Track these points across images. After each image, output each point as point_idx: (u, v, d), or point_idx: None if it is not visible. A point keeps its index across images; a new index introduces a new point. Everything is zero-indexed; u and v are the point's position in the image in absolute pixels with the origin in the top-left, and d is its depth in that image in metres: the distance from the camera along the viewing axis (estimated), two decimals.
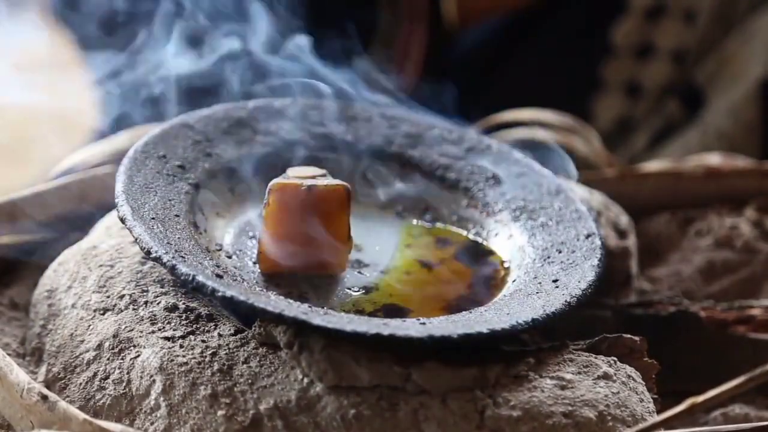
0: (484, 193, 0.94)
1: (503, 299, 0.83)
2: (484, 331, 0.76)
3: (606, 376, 0.78)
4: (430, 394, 0.75)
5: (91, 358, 0.80)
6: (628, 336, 0.82)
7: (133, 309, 0.81)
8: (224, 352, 0.77)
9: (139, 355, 0.78)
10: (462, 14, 1.50)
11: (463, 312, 0.81)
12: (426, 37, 1.46)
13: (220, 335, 0.79)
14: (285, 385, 0.76)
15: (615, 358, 0.80)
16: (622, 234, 0.97)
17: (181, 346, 0.78)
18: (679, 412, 0.71)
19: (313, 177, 0.84)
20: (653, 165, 1.14)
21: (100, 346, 0.80)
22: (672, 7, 1.50)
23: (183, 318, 0.80)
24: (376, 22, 1.46)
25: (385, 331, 0.74)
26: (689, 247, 1.05)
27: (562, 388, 0.77)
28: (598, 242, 0.87)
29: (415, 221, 0.94)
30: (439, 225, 0.93)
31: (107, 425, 0.74)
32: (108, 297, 0.83)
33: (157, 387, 0.77)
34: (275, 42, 0.99)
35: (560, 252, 0.87)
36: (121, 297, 0.82)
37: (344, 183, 0.84)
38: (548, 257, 0.87)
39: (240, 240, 0.88)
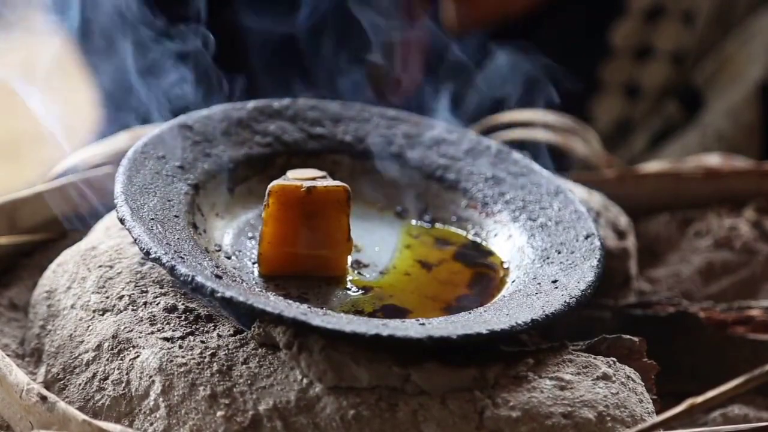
0: (484, 193, 0.94)
1: (502, 300, 0.83)
2: (484, 331, 0.76)
3: (605, 377, 0.78)
4: (429, 395, 0.75)
5: (91, 358, 0.80)
6: (628, 337, 0.82)
7: (133, 310, 0.81)
8: (223, 353, 0.77)
9: (138, 356, 0.78)
10: (461, 20, 1.50)
11: (463, 312, 0.81)
12: (426, 43, 1.46)
13: (219, 336, 0.79)
14: (284, 386, 0.76)
15: (614, 359, 0.80)
16: (621, 235, 0.97)
17: (181, 347, 0.78)
18: (679, 413, 0.71)
19: (313, 178, 0.84)
20: (652, 166, 1.14)
21: (99, 346, 0.80)
22: (671, 8, 1.50)
23: (182, 319, 0.80)
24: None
25: (385, 332, 0.74)
26: (688, 248, 1.05)
27: (562, 388, 0.77)
28: (598, 243, 0.87)
29: (414, 222, 0.94)
30: (438, 225, 0.93)
31: (106, 426, 0.74)
32: (107, 298, 0.83)
33: (157, 388, 0.77)
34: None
35: (559, 253, 0.87)
36: (121, 298, 0.82)
37: (344, 184, 0.84)
38: (547, 258, 0.87)
39: (239, 240, 0.88)
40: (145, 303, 0.82)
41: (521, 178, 0.94)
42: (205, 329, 0.79)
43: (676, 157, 1.28)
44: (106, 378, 0.79)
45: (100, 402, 0.78)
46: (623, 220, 0.99)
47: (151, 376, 0.77)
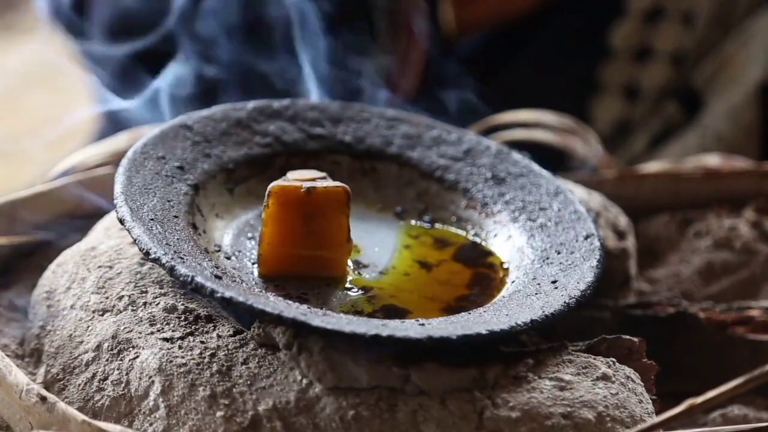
0: (483, 194, 0.94)
1: (502, 300, 0.83)
2: (483, 332, 0.76)
3: (605, 377, 0.78)
4: (429, 395, 0.75)
5: (90, 359, 0.80)
6: (627, 337, 0.82)
7: (132, 310, 0.81)
8: (223, 353, 0.77)
9: (137, 356, 0.78)
10: (460, 23, 1.50)
11: (462, 313, 0.81)
12: (425, 46, 1.46)
13: (219, 336, 0.79)
14: (284, 386, 0.76)
15: (614, 359, 0.80)
16: (621, 235, 0.97)
17: (180, 347, 0.78)
18: (678, 413, 0.71)
19: (313, 179, 0.84)
20: (652, 166, 1.14)
21: (99, 347, 0.80)
22: (671, 9, 1.50)
23: (182, 319, 0.80)
24: (375, 31, 1.46)
25: (384, 332, 0.74)
26: (688, 248, 1.05)
27: (561, 389, 0.77)
28: (597, 243, 0.87)
29: (414, 222, 0.94)
30: (438, 226, 0.93)
31: (106, 426, 0.74)
32: (107, 298, 0.83)
33: (156, 388, 0.77)
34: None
35: (559, 253, 0.87)
36: (120, 298, 0.82)
37: (344, 185, 0.84)
38: (547, 258, 0.87)
39: (239, 241, 0.88)
40: (144, 303, 0.82)
41: (521, 178, 0.94)
42: (205, 329, 0.79)
43: (676, 158, 1.28)
44: (105, 378, 0.79)
45: (100, 402, 0.78)
46: (623, 221, 0.99)
47: (150, 377, 0.77)
